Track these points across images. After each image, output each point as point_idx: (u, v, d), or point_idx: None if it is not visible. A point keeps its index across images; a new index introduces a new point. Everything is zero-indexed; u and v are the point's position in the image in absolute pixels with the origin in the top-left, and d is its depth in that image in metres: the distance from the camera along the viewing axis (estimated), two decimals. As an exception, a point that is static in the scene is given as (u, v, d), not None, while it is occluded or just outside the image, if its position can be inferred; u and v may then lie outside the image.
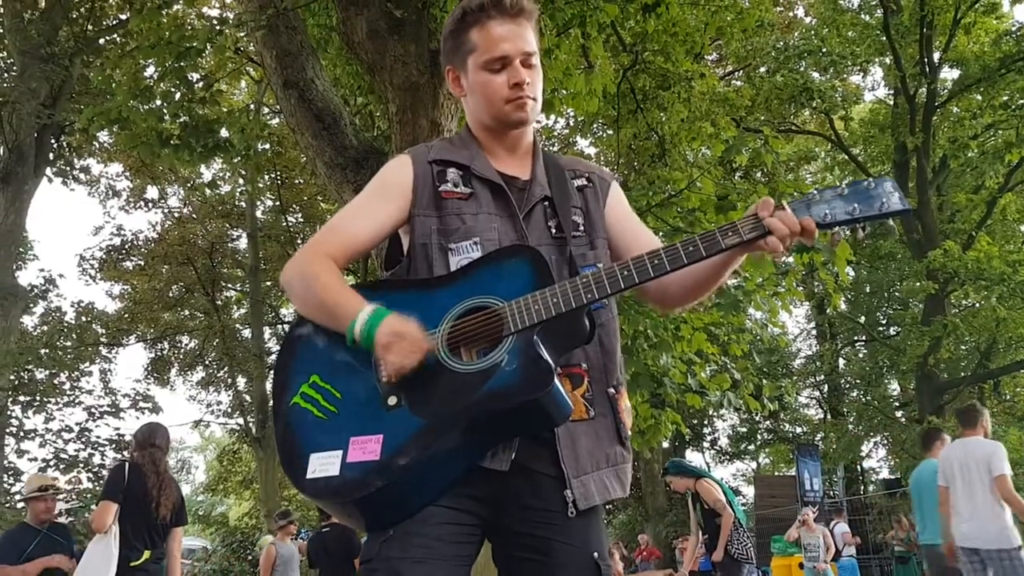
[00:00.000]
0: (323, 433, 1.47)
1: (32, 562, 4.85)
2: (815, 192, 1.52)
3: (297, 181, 19.45)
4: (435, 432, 1.41)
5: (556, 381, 1.41)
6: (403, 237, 1.70)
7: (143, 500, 4.68)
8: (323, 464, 1.43)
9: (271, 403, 1.63)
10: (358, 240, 1.64)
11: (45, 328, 17.25)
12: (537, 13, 1.65)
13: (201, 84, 6.66)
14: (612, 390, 1.63)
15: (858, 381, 25.19)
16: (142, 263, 20.55)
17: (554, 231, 1.65)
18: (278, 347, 22.03)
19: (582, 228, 1.69)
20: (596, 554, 1.53)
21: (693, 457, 27.42)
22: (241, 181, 18.51)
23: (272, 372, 1.68)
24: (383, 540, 1.46)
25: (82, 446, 15.00)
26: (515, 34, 1.61)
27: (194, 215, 20.98)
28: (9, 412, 14.68)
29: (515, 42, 1.60)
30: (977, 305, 19.12)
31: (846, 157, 21.90)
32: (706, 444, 28.11)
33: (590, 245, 1.68)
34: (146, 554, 4.68)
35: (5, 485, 13.89)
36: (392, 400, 1.47)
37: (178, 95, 6.18)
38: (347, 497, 1.42)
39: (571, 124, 17.34)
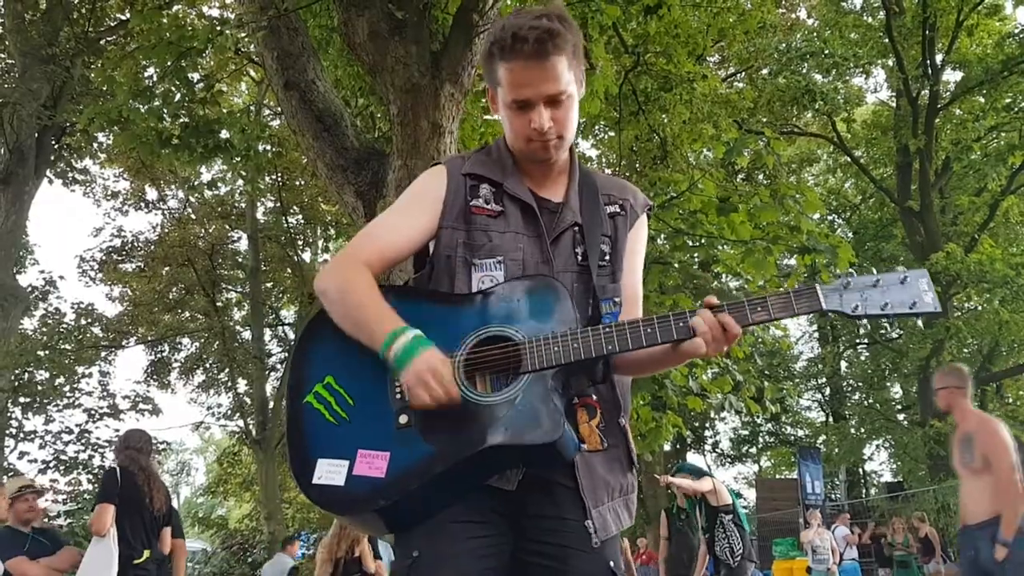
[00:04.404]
0: (332, 439, 1.50)
1: (57, 557, 4.92)
2: (849, 279, 1.51)
3: (298, 182, 19.41)
4: (441, 460, 1.43)
5: (566, 427, 1.43)
6: (430, 243, 1.71)
7: (138, 499, 4.83)
8: (329, 472, 1.46)
9: (285, 399, 1.65)
10: (394, 248, 1.65)
11: (45, 330, 17.23)
12: (572, 41, 1.57)
13: (201, 85, 6.63)
14: (623, 420, 1.65)
15: (860, 384, 25.19)
16: (142, 265, 20.50)
17: (580, 258, 1.65)
18: (279, 348, 22.04)
19: (608, 258, 1.69)
20: (612, 563, 1.55)
21: (694, 460, 27.38)
22: (241, 182, 18.49)
23: (289, 367, 1.70)
24: (410, 564, 1.49)
25: (82, 448, 14.99)
26: (539, 78, 1.55)
27: (194, 216, 20.95)
28: (9, 413, 14.66)
29: (538, 87, 1.55)
30: (980, 308, 19.09)
31: (848, 159, 21.89)
32: (707, 447, 28.06)
33: (612, 278, 1.69)
34: (146, 553, 4.81)
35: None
36: (403, 419, 1.48)
37: (178, 95, 6.16)
38: (349, 511, 1.47)
39: (572, 126, 17.30)
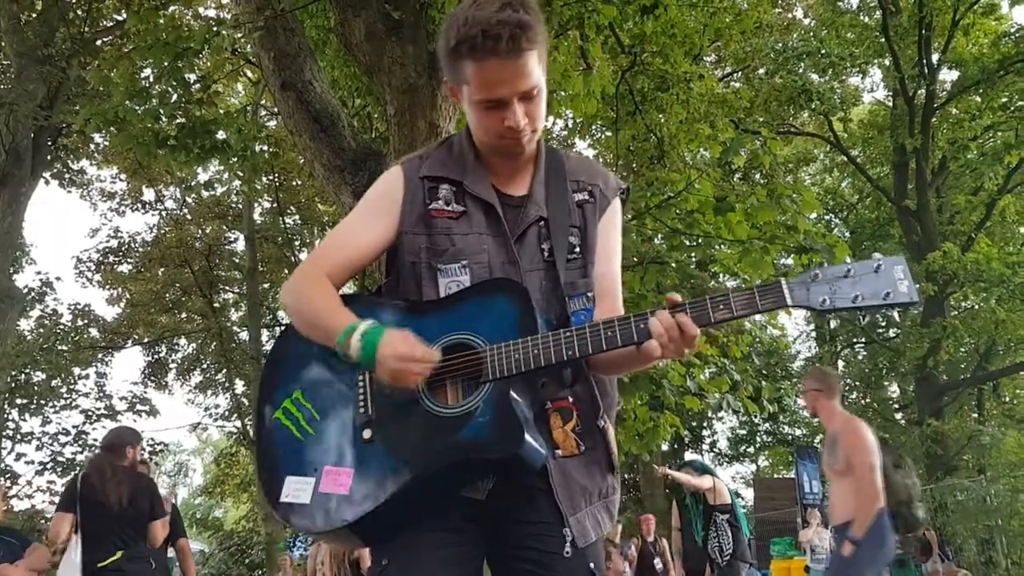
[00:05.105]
0: (299, 456, 1.50)
1: (31, 557, 4.87)
2: (818, 270, 1.41)
3: (295, 183, 19.41)
4: (402, 476, 1.42)
5: (527, 437, 1.40)
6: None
7: (95, 500, 4.66)
8: (296, 489, 1.46)
9: (255, 413, 1.66)
10: (355, 256, 1.62)
11: (41, 331, 17.20)
12: (541, 31, 1.48)
13: (198, 85, 6.61)
14: (602, 421, 1.60)
15: (857, 383, 25.19)
16: (139, 266, 20.47)
17: (547, 254, 1.60)
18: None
19: (577, 250, 1.63)
20: (592, 564, 1.54)
21: (692, 459, 27.33)
22: (238, 183, 18.48)
23: (259, 382, 1.68)
24: (379, 572, 1.48)
25: (79, 449, 14.98)
26: (513, 74, 1.46)
27: (190, 217, 20.93)
28: (6, 415, 14.63)
29: (513, 84, 1.47)
30: (976, 307, 19.12)
31: (845, 159, 21.92)
32: (705, 447, 28.06)
33: (582, 271, 1.62)
34: (118, 554, 4.63)
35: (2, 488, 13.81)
36: (367, 434, 1.47)
37: (175, 96, 6.15)
38: (316, 529, 1.46)
39: (569, 126, 17.32)
